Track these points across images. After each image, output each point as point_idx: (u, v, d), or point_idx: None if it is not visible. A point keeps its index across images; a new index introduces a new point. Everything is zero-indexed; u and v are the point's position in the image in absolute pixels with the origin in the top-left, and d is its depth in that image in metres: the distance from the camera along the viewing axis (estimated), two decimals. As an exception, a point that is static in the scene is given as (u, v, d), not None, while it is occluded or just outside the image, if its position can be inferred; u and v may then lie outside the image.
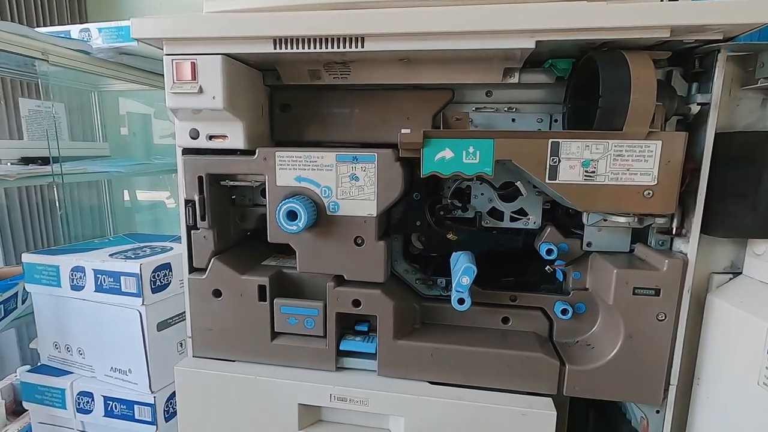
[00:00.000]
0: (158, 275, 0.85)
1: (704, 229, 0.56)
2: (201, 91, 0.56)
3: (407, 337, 0.65)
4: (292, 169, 0.61)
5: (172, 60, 0.56)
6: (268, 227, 0.62)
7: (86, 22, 1.63)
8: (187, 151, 0.64)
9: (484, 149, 0.51)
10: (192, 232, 0.66)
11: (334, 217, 0.61)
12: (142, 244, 0.98)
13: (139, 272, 0.82)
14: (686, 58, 0.56)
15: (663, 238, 0.61)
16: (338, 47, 0.52)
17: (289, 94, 0.68)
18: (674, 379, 0.59)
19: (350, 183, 0.60)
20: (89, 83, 1.63)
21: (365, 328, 0.68)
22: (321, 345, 0.66)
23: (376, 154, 0.58)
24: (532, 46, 0.49)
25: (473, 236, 0.68)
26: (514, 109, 0.64)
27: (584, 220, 0.61)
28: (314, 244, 0.62)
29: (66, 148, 1.42)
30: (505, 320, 0.68)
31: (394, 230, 0.69)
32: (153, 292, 0.84)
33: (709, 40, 0.49)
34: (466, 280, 0.58)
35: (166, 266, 0.87)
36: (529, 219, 0.66)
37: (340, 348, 0.66)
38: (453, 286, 0.59)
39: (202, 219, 0.65)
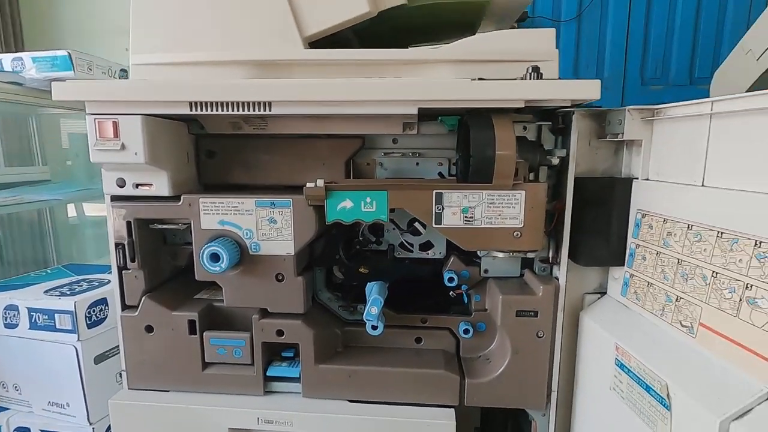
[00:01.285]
0: (94, 311, 0.87)
1: (573, 258, 0.67)
2: (123, 147, 0.61)
3: (328, 361, 0.72)
4: (215, 213, 0.66)
5: (95, 119, 0.60)
6: (195, 267, 0.67)
7: (22, 49, 1.61)
8: (115, 198, 0.68)
9: (380, 199, 0.59)
10: (123, 272, 0.70)
11: (256, 256, 0.67)
12: (80, 278, 0.99)
13: (73, 309, 0.84)
14: (553, 115, 0.66)
15: (544, 265, 0.71)
16: (248, 110, 0.59)
17: (214, 142, 0.74)
18: (555, 386, 0.69)
19: (269, 225, 0.66)
20: (26, 108, 1.60)
21: (291, 354, 0.75)
22: (249, 372, 0.71)
23: (291, 199, 0.65)
24: (415, 112, 0.58)
25: (388, 266, 0.76)
26: (418, 154, 0.73)
27: (478, 251, 0.71)
28: (239, 281, 0.68)
29: (1, 175, 1.40)
30: (418, 340, 0.76)
31: (317, 263, 0.76)
32: (89, 327, 0.87)
33: (561, 105, 0.59)
34: (375, 310, 0.66)
35: (102, 301, 0.89)
36: (434, 250, 0.75)
37: (268, 374, 0.72)
38: (364, 315, 0.67)
39: (132, 260, 0.69)
